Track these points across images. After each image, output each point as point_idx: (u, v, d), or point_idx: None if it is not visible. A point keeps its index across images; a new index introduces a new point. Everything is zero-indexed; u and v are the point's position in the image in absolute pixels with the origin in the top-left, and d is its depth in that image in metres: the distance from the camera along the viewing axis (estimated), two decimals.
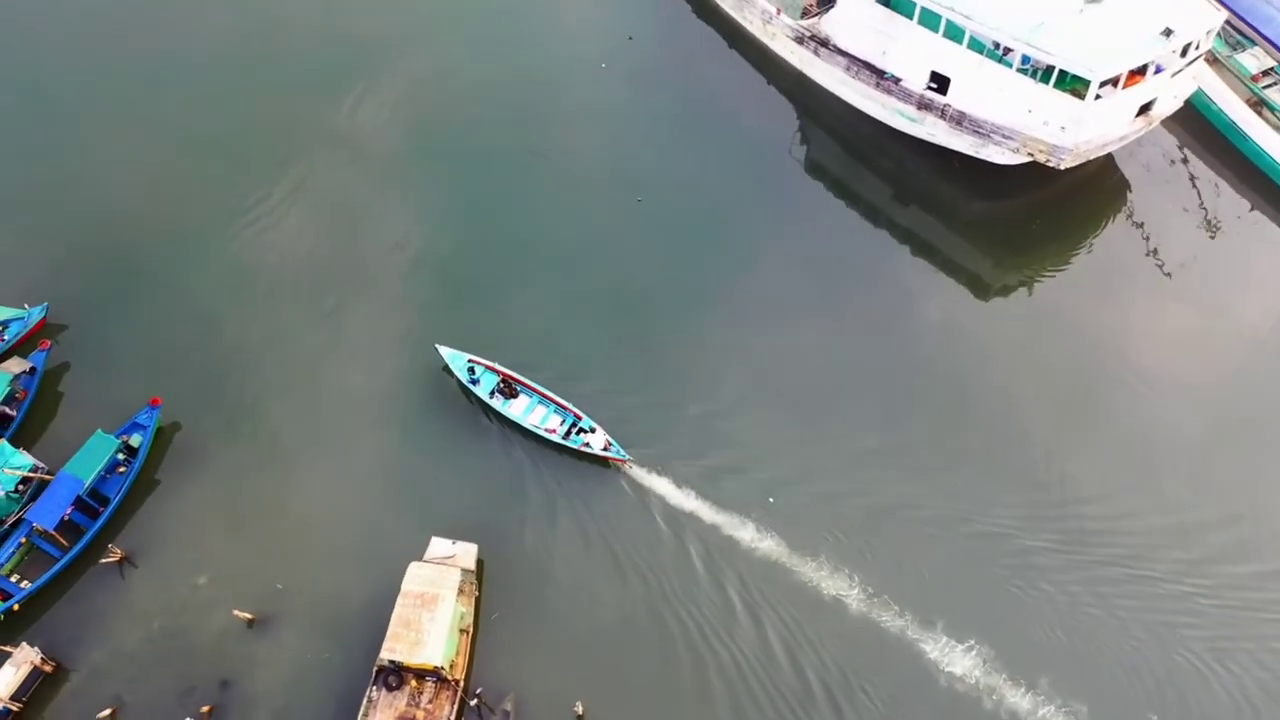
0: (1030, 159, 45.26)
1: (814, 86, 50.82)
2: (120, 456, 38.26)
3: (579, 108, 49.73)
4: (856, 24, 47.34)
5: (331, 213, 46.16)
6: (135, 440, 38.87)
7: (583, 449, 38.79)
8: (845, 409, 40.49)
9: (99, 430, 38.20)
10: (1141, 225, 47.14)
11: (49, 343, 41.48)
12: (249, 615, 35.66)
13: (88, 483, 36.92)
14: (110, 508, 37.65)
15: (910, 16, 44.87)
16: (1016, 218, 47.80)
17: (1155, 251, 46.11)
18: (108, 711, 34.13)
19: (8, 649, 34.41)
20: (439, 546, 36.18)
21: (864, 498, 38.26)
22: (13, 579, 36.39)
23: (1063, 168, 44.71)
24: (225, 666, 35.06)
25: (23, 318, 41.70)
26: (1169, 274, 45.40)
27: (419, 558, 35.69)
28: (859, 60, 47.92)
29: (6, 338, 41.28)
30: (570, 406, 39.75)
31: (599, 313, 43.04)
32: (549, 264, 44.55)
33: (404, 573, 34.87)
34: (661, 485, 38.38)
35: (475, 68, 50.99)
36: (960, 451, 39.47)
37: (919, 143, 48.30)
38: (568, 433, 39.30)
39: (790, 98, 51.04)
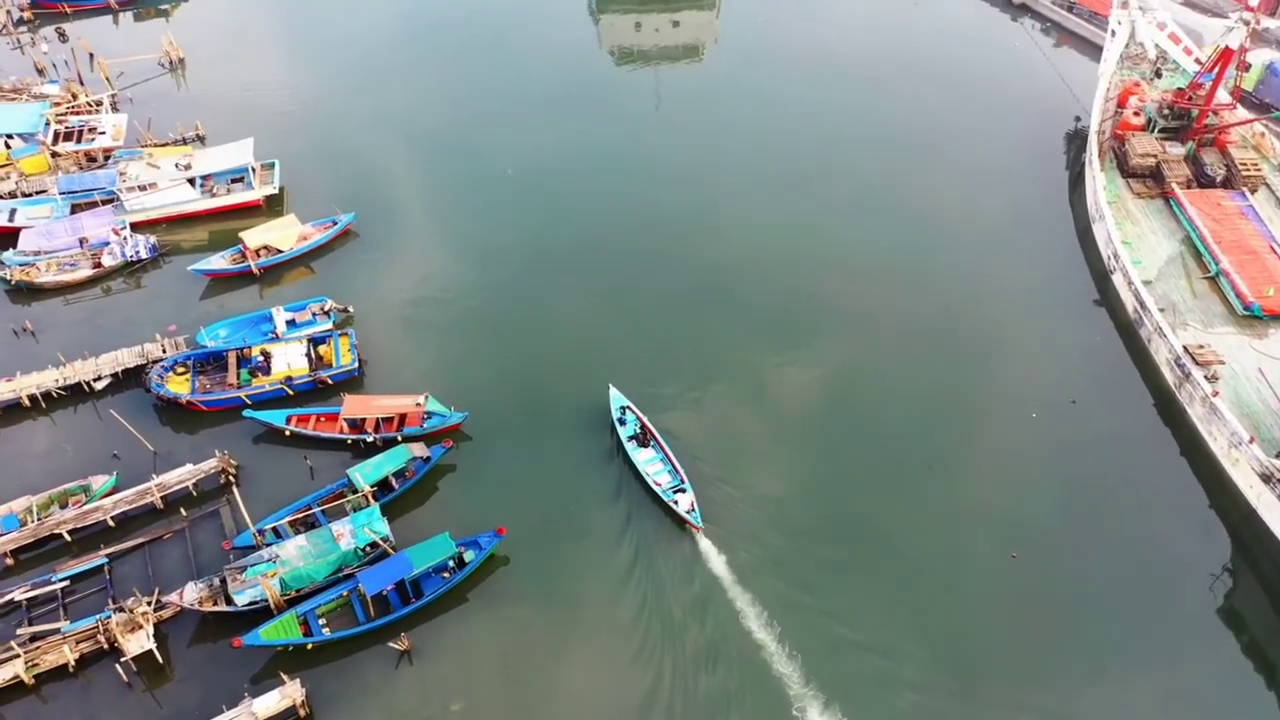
0: None
1: (1263, 530, 44.77)
2: (450, 563, 41.61)
3: (992, 447, 48.14)
4: None
5: (717, 431, 48.58)
6: (469, 555, 42.19)
7: (671, 504, 43.78)
8: None
9: (446, 533, 42.13)
10: None
11: (451, 443, 47.20)
12: None
13: (415, 572, 40.48)
14: (421, 602, 40.84)
15: None
16: None
17: None
18: None
19: (285, 677, 37.77)
20: None
21: None
22: (320, 621, 40.36)
23: None
24: None
25: (445, 416, 47.90)
26: None
27: None
28: None
29: (426, 426, 47.57)
30: (680, 469, 45.59)
31: (926, 641, 40.52)
32: (896, 577, 42.73)
33: None
34: None
35: (911, 375, 51.56)
36: None
37: None
38: (668, 488, 44.79)
39: (1230, 529, 45.34)
